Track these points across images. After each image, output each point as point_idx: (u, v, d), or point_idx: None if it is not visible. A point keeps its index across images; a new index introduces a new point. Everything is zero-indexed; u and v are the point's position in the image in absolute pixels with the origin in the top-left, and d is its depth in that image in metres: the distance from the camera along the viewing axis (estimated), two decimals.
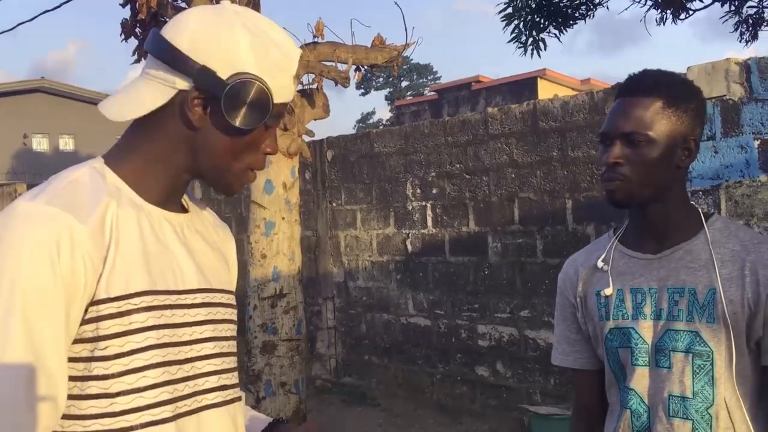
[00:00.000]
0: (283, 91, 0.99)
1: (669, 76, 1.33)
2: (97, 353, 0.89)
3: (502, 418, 5.23)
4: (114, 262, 0.90)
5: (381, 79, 34.27)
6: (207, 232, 1.10)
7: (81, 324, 0.89)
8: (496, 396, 5.41)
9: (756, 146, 3.92)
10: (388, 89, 35.67)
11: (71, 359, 0.89)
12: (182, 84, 0.96)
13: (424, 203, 5.93)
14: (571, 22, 5.91)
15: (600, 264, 1.39)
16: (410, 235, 6.05)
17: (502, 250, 5.36)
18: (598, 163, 1.34)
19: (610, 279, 1.36)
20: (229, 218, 8.12)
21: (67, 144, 22.51)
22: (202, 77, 0.95)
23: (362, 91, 36.05)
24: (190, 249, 1.02)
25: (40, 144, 22.72)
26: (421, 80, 35.76)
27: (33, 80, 22.12)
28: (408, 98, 28.01)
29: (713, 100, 4.11)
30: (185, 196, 1.10)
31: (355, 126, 36.65)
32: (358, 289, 6.54)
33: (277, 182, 4.34)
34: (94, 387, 0.89)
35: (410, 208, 6.05)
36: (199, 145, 0.99)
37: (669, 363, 1.28)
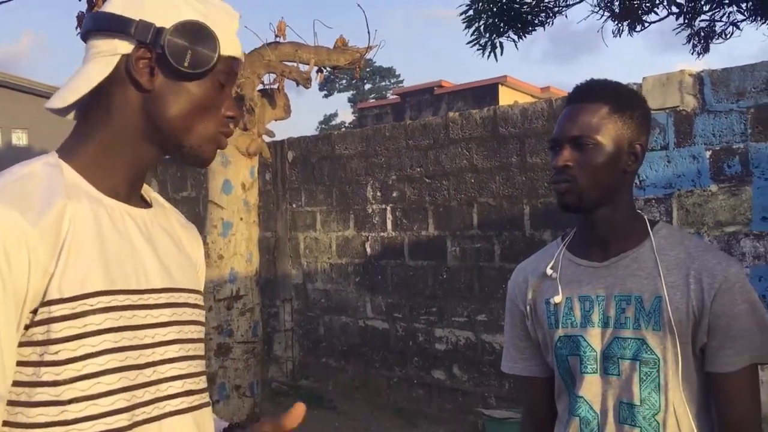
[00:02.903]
0: (228, 41, 0.96)
1: (614, 85, 1.37)
2: (47, 357, 0.84)
3: (457, 421, 5.25)
4: (67, 262, 0.85)
5: (344, 82, 34.25)
6: (173, 229, 1.05)
7: (30, 326, 0.84)
8: (452, 400, 5.44)
9: (707, 156, 4.02)
10: (351, 92, 35.66)
11: (19, 363, 0.84)
12: (124, 47, 0.93)
13: (384, 206, 5.94)
14: (530, 28, 6.00)
15: (549, 272, 1.40)
16: (370, 237, 6.05)
17: (461, 254, 5.39)
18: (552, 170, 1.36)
19: (559, 287, 1.37)
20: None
21: (20, 139, 21.88)
22: (142, 31, 0.92)
23: (325, 92, 35.96)
24: (154, 245, 0.97)
25: None
26: (383, 83, 35.84)
27: None
28: (371, 101, 28.04)
29: (667, 111, 4.20)
30: (149, 191, 1.06)
31: (317, 128, 36.53)
32: (317, 291, 6.50)
33: (236, 182, 4.29)
34: (43, 394, 0.84)
35: (370, 210, 6.04)
36: (155, 109, 0.95)
37: (618, 370, 1.29)
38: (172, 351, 0.95)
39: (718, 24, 6.15)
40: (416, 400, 5.68)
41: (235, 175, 4.27)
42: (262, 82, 4.36)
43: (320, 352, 6.49)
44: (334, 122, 36.63)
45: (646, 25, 6.23)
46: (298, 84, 4.36)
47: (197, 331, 1.02)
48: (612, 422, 1.29)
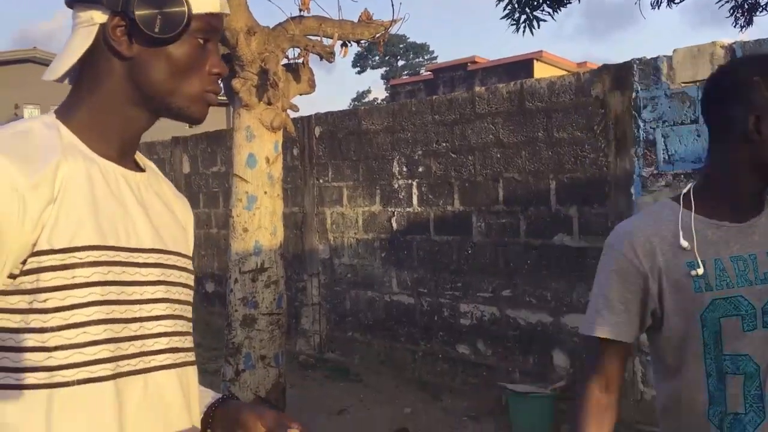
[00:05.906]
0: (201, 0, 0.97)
1: None
2: (36, 305, 0.88)
3: (481, 395, 5.28)
4: (59, 216, 0.89)
5: (377, 58, 34.07)
6: (165, 196, 1.09)
7: (19, 275, 0.88)
8: (476, 374, 5.46)
9: None
10: (384, 68, 35.49)
11: (7, 310, 0.88)
12: (99, 17, 0.96)
13: (410, 181, 5.93)
14: (565, 1, 5.88)
15: (684, 243, 1.37)
16: (396, 213, 6.06)
17: (486, 229, 5.37)
18: None
19: (702, 251, 1.36)
20: (217, 192, 8.11)
21: None
22: (111, 0, 0.94)
23: (358, 69, 35.85)
24: (145, 207, 1.00)
25: (31, 114, 22.56)
26: (417, 59, 35.57)
27: (25, 50, 21.87)
28: (404, 77, 27.88)
29: (698, 83, 4.10)
30: (142, 158, 1.08)
31: (350, 104, 36.49)
32: (343, 266, 6.55)
33: (260, 156, 4.32)
34: (30, 340, 0.88)
35: (396, 186, 6.04)
36: (138, 74, 0.98)
37: None
38: (159, 309, 0.99)
39: None
40: (441, 374, 5.72)
41: (259, 149, 4.31)
42: (287, 57, 4.36)
43: (347, 326, 6.55)
44: (367, 99, 36.55)
45: None
46: (321, 58, 4.35)
47: (185, 294, 1.05)
48: None
